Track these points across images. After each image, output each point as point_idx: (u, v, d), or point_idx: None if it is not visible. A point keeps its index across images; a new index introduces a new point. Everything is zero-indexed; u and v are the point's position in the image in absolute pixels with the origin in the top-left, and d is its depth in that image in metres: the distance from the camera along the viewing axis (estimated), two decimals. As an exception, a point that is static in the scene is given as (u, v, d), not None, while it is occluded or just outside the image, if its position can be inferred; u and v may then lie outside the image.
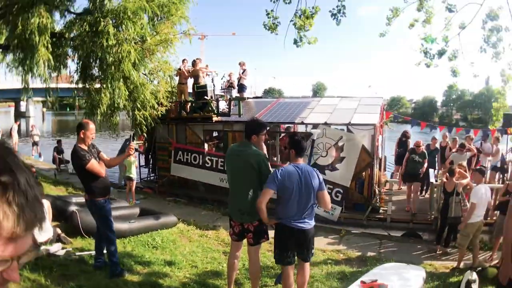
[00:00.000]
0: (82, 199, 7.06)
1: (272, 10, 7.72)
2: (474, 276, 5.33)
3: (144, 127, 10.56)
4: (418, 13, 8.00)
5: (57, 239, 5.70)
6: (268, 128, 4.88)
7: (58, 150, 15.12)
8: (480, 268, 6.21)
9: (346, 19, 7.63)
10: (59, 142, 15.89)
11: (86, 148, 4.61)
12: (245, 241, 4.54)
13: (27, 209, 0.71)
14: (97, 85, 9.93)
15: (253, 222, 4.29)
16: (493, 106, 8.73)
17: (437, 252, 7.58)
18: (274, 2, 7.63)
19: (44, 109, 38.28)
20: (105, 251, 5.13)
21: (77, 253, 5.49)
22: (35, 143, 18.33)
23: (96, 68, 9.74)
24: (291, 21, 7.73)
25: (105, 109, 9.78)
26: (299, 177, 4.08)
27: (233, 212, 4.48)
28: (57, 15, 9.27)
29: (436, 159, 11.05)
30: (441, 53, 7.42)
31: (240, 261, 5.20)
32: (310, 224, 4.22)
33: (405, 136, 12.11)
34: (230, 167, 4.53)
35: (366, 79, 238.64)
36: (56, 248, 5.32)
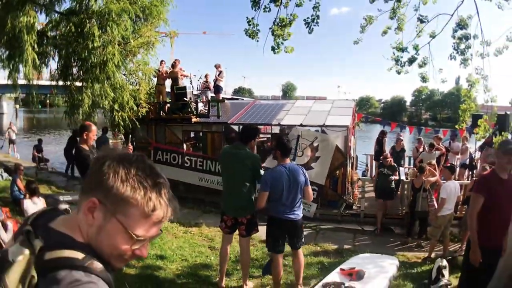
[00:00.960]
0: (69, 197, 7.34)
1: (252, 18, 8.13)
2: (445, 262, 5.93)
3: (122, 128, 10.75)
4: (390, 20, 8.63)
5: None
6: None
7: (38, 148, 15.10)
8: (450, 257, 6.82)
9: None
10: (40, 140, 15.92)
11: (87, 148, 4.90)
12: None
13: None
14: (78, 84, 10.05)
15: (247, 216, 4.74)
16: (461, 107, 9.38)
17: (409, 244, 8.18)
18: (255, 10, 8.06)
19: (17, 106, 37.19)
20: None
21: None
22: (11, 141, 18.09)
23: (77, 67, 9.88)
24: (270, 28, 8.17)
25: (86, 109, 9.93)
26: (288, 176, 4.55)
27: (227, 208, 4.88)
28: (42, 14, 9.37)
29: (403, 160, 11.66)
30: (411, 61, 8.00)
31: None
32: (299, 215, 4.72)
33: (382, 134, 13.07)
34: (226, 167, 4.94)
35: (335, 78, 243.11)
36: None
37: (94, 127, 5.03)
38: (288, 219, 4.61)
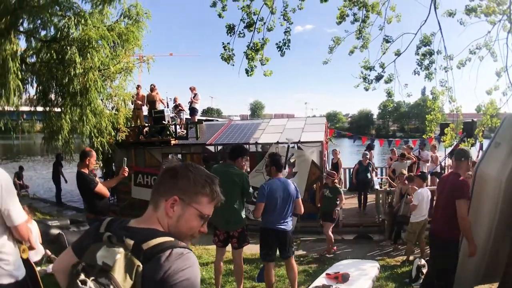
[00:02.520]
0: (57, 223, 7.51)
1: (228, 43, 8.60)
2: (423, 262, 6.42)
3: (101, 153, 10.88)
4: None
5: (47, 259, 6.10)
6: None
7: (19, 175, 15.03)
8: (428, 258, 7.33)
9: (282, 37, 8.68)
10: (21, 168, 15.83)
11: (87, 173, 5.19)
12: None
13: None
14: (58, 109, 10.16)
15: (238, 229, 5.13)
16: (427, 118, 9.96)
17: (386, 250, 8.62)
18: (230, 36, 8.54)
19: (-13, 133, 36.22)
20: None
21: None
22: None
23: (57, 93, 10.02)
24: (244, 52, 8.66)
25: (66, 134, 10.06)
26: (282, 188, 5.03)
27: (219, 222, 5.21)
28: (22, 40, 9.48)
29: (369, 174, 11.96)
30: (378, 78, 8.65)
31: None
32: (289, 226, 5.18)
33: (368, 148, 13.91)
34: None
35: (302, 95, 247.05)
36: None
37: (94, 153, 5.33)
38: (280, 229, 5.05)
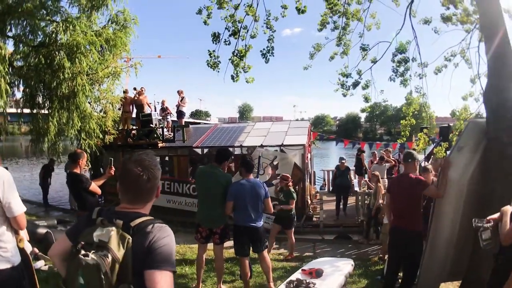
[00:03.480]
0: (44, 223, 7.78)
1: (214, 51, 8.95)
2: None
3: (88, 156, 11.11)
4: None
5: (35, 257, 6.35)
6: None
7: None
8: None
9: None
10: (6, 169, 15.83)
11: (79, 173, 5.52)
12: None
13: None
14: (45, 111, 10.34)
15: (220, 226, 5.49)
16: (402, 121, 10.31)
17: (364, 250, 8.97)
18: (215, 44, 8.89)
19: (-30, 136, 36.00)
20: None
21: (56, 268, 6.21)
22: None
23: (44, 97, 10.20)
24: (229, 59, 9.02)
25: (52, 137, 10.25)
26: (250, 188, 5.41)
27: (203, 220, 5.59)
28: (9, 44, 9.63)
29: (349, 177, 12.19)
30: (355, 84, 9.06)
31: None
32: (260, 223, 5.57)
33: (359, 151, 14.40)
34: (201, 185, 5.71)
35: (291, 98, 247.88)
36: (40, 264, 6.06)
37: (85, 155, 5.67)
38: (250, 226, 5.43)
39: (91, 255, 1.61)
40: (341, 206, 11.75)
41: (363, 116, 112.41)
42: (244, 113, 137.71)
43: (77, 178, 5.49)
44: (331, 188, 15.01)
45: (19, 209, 2.76)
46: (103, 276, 1.59)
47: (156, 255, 1.69)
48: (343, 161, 12.12)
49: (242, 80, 8.97)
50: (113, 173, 5.69)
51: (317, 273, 5.86)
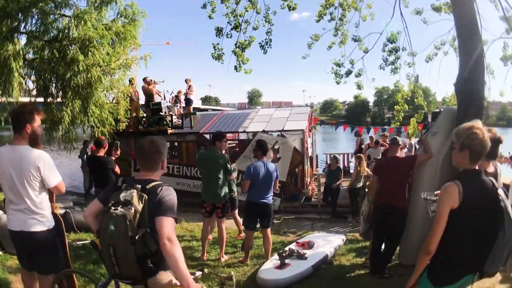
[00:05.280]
0: (61, 204, 8.63)
1: (217, 44, 9.60)
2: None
3: (102, 141, 11.84)
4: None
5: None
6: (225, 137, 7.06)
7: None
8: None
9: (280, 25, 9.71)
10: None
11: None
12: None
13: None
14: (59, 100, 10.97)
15: (222, 201, 6.32)
16: (396, 106, 10.87)
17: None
18: (219, 37, 9.53)
19: (-21, 125, 36.87)
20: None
21: (78, 242, 7.01)
22: None
23: (58, 88, 10.83)
24: (232, 51, 9.66)
25: (67, 125, 10.95)
26: (264, 169, 6.16)
27: (207, 196, 6.39)
28: (23, 39, 10.20)
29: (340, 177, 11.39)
30: (348, 73, 9.69)
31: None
32: (270, 200, 6.33)
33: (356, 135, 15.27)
34: (204, 165, 6.50)
35: (300, 82, 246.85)
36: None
37: (107, 141, 6.63)
38: (262, 202, 6.17)
39: (120, 209, 2.43)
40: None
41: (371, 100, 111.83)
42: (254, 98, 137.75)
43: (106, 160, 6.59)
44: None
45: (56, 179, 3.47)
46: (128, 223, 2.39)
47: (162, 206, 2.46)
48: (335, 160, 11.66)
49: (252, 65, 9.58)
50: (118, 154, 6.60)
51: (309, 245, 6.64)
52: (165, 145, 2.77)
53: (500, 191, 2.64)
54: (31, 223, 3.32)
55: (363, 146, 14.59)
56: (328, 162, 12.30)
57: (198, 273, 2.82)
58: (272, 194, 6.44)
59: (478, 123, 2.62)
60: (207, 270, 3.17)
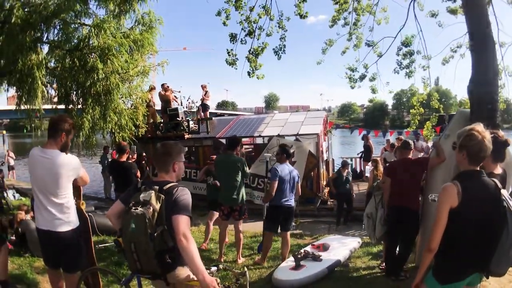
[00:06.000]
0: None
1: (232, 49, 9.77)
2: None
3: (121, 146, 12.13)
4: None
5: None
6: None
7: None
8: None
9: (297, 29, 9.81)
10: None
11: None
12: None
13: None
14: (79, 106, 11.26)
15: (239, 204, 6.48)
16: (412, 110, 10.84)
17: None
18: (233, 43, 9.71)
19: (4, 132, 38.12)
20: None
21: (100, 245, 7.23)
22: (10, 167, 19.24)
23: (78, 95, 11.13)
24: (246, 57, 9.82)
25: (87, 131, 11.24)
26: (290, 173, 6.34)
27: (225, 199, 6.55)
28: (45, 48, 10.46)
29: (349, 185, 11.21)
30: (362, 78, 9.75)
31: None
32: (293, 203, 6.52)
33: (365, 138, 15.39)
34: (222, 169, 6.65)
35: (317, 86, 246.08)
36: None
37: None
38: (287, 205, 6.34)
39: (139, 209, 2.65)
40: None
41: (390, 103, 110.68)
42: (270, 102, 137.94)
43: (130, 165, 6.93)
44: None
45: (82, 171, 3.81)
46: (147, 221, 2.60)
47: (178, 206, 2.67)
48: (348, 164, 11.54)
49: (268, 69, 9.77)
50: (135, 158, 6.87)
51: (324, 247, 6.75)
52: (178, 148, 2.96)
53: (504, 192, 2.70)
54: (58, 223, 3.53)
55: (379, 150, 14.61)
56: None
57: (213, 269, 2.96)
58: (294, 197, 6.56)
59: (479, 126, 2.71)
60: (221, 266, 3.33)
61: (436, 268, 2.78)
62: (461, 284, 2.74)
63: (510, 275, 4.48)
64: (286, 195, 6.29)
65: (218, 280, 2.62)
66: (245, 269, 3.32)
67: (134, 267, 2.78)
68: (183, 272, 2.81)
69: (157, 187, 2.75)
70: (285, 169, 6.29)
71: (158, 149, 2.93)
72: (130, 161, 7.59)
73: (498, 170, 3.54)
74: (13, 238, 6.45)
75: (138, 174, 7.04)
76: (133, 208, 2.69)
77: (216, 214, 7.65)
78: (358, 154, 16.43)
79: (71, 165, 3.61)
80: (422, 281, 2.82)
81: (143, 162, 13.42)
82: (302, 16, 9.58)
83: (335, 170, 12.43)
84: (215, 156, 8.38)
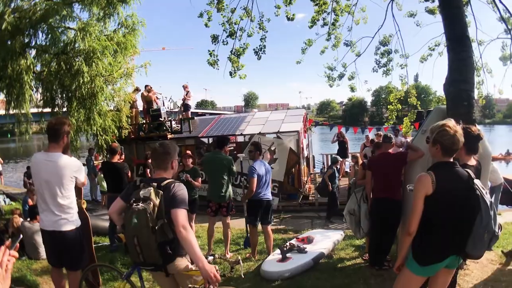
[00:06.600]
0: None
1: (213, 50, 9.96)
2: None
3: (105, 150, 12.17)
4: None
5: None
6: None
7: (28, 174, 16.22)
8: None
9: (276, 27, 9.97)
10: (28, 167, 16.99)
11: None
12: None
13: None
14: (64, 109, 11.26)
15: (226, 201, 6.77)
16: (389, 106, 11.22)
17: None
18: (214, 44, 9.91)
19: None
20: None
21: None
22: None
23: (63, 99, 11.13)
24: (228, 58, 10.02)
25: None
26: (265, 168, 6.63)
27: (213, 196, 6.83)
28: (32, 52, 10.43)
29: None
30: (340, 77, 10.09)
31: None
32: (271, 197, 6.84)
33: (339, 136, 15.57)
34: (210, 167, 6.94)
35: (296, 84, 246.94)
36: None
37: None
38: (265, 199, 6.65)
39: (140, 204, 2.87)
40: None
41: (369, 100, 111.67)
42: (250, 101, 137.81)
43: (123, 166, 7.18)
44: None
45: (83, 177, 4.04)
46: (148, 215, 2.83)
47: (176, 200, 2.90)
48: (337, 162, 11.70)
49: (248, 68, 9.94)
50: (123, 159, 7.13)
51: (308, 240, 7.02)
52: (174, 147, 3.22)
53: (477, 181, 3.00)
54: (63, 223, 3.74)
55: (359, 146, 14.96)
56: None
57: (210, 258, 3.21)
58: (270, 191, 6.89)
59: (450, 122, 3.03)
60: (217, 255, 3.59)
61: (415, 251, 3.05)
62: (440, 265, 3.02)
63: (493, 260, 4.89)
64: (264, 190, 6.61)
65: (217, 267, 2.84)
66: (239, 257, 3.58)
67: (137, 260, 3.00)
68: (182, 262, 3.07)
69: (155, 184, 2.96)
70: (261, 165, 6.60)
71: (158, 149, 3.14)
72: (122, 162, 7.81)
73: (472, 161, 3.87)
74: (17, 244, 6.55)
75: (129, 174, 7.26)
76: (135, 204, 2.90)
77: (192, 216, 7.73)
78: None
79: (74, 167, 3.82)
80: (403, 264, 3.11)
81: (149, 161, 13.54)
82: (289, 19, 9.83)
83: (328, 166, 12.60)
84: (189, 151, 8.71)
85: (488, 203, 2.91)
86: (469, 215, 2.92)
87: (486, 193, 2.97)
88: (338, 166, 11.63)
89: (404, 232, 3.05)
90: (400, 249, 3.14)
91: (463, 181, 2.98)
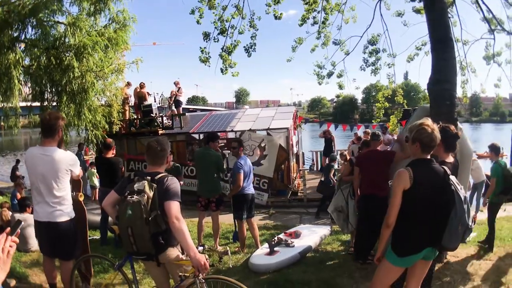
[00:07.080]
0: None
1: (205, 47, 10.05)
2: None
3: (95, 145, 12.22)
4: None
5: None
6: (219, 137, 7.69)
7: (17, 168, 16.22)
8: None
9: (267, 23, 10.08)
10: (17, 161, 16.99)
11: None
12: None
13: None
14: (54, 104, 11.27)
15: (216, 196, 6.90)
16: (377, 104, 11.42)
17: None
18: (206, 41, 10.00)
19: (-27, 130, 37.23)
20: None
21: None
22: None
23: (53, 93, 11.14)
24: (219, 55, 10.13)
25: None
26: (248, 163, 6.83)
27: (202, 191, 6.97)
28: (21, 47, 10.39)
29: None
30: (329, 75, 10.27)
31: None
32: (253, 191, 7.07)
33: (325, 133, 15.90)
34: (200, 163, 7.08)
35: (287, 81, 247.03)
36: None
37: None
38: (250, 193, 6.86)
39: (135, 196, 3.01)
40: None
41: (359, 97, 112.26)
42: (241, 97, 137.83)
43: (117, 161, 7.25)
44: (319, 167, 16.49)
45: (78, 170, 4.15)
46: (142, 207, 2.97)
47: (169, 193, 3.04)
48: (334, 160, 12.12)
49: (239, 64, 10.03)
50: (114, 154, 7.27)
51: (296, 234, 7.22)
52: (167, 142, 3.37)
53: (452, 177, 3.18)
54: (58, 214, 3.87)
55: (348, 143, 15.20)
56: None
57: (200, 248, 3.35)
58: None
59: (428, 120, 3.21)
60: (207, 246, 3.74)
61: (394, 243, 3.23)
62: (417, 257, 3.19)
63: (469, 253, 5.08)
64: (249, 184, 6.85)
65: (207, 257, 3.01)
66: (227, 248, 3.74)
67: (130, 250, 3.13)
68: (173, 252, 3.22)
69: (149, 177, 3.11)
70: (246, 161, 6.80)
71: (154, 146, 3.24)
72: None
73: (450, 159, 4.06)
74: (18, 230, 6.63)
75: (123, 169, 7.45)
76: (129, 196, 3.03)
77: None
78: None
79: (70, 160, 3.95)
80: (383, 255, 3.28)
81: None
82: (276, 17, 9.95)
83: (326, 165, 12.50)
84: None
85: (462, 198, 3.07)
86: (444, 209, 3.08)
87: (460, 188, 3.13)
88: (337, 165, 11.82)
89: (383, 224, 3.21)
90: (380, 241, 3.30)
91: (439, 177, 3.15)
